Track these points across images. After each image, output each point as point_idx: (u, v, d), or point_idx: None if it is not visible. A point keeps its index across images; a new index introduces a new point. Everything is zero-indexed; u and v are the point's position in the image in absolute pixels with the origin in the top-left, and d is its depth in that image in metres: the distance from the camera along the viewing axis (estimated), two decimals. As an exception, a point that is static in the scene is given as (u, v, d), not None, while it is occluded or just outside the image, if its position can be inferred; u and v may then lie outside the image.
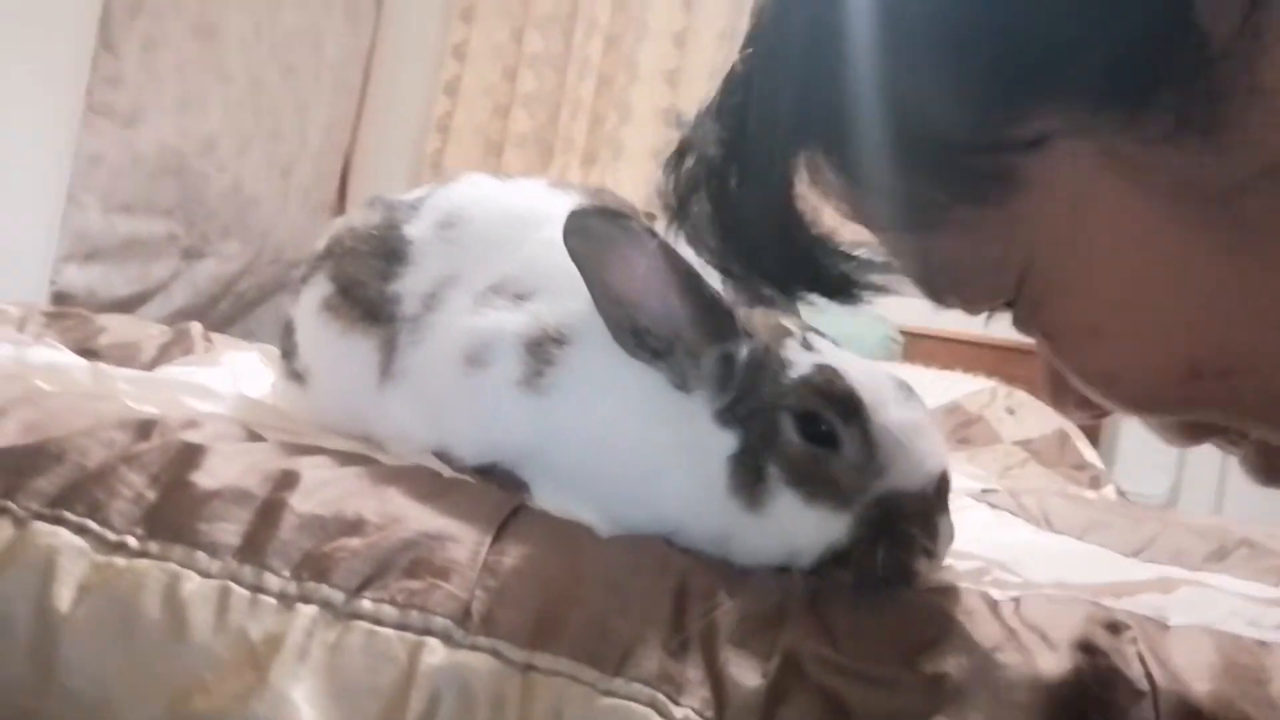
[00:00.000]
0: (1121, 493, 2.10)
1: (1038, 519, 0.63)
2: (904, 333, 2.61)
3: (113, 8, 2.24)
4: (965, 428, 2.13)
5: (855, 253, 0.40)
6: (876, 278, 0.40)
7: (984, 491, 0.73)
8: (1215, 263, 0.32)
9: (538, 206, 0.58)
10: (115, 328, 0.87)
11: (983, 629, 0.41)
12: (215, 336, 0.96)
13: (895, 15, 0.34)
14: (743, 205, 0.40)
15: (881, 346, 2.54)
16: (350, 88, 3.08)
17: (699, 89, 2.84)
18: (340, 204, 3.19)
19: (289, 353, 0.64)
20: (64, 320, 0.86)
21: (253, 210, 2.75)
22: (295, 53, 2.79)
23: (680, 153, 0.42)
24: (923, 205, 0.36)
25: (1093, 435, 2.40)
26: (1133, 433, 2.59)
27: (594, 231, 0.47)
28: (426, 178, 3.04)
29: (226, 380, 0.70)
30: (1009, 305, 0.38)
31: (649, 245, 0.47)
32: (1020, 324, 0.39)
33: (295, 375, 0.63)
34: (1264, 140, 0.30)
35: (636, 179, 2.83)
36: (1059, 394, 0.41)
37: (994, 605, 0.43)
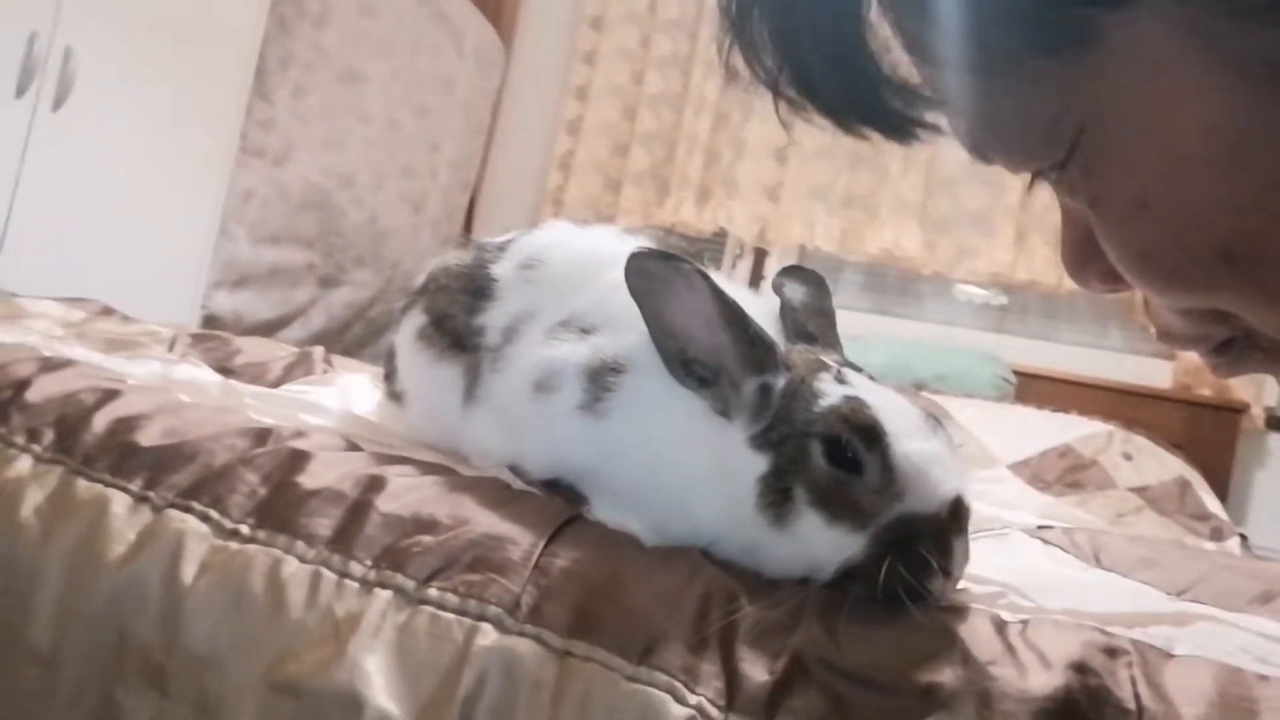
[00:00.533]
0: (1247, 546, 2.00)
1: (1086, 555, 0.65)
2: (1017, 372, 2.56)
3: (267, 58, 2.44)
4: (1077, 471, 2.07)
5: (915, 88, 0.39)
6: (933, 117, 0.39)
7: (1039, 528, 0.74)
8: (1273, 149, 0.33)
9: (606, 250, 0.64)
10: (249, 349, 0.98)
11: (983, 646, 0.45)
12: (335, 359, 1.06)
13: None
14: (808, 28, 0.39)
15: (992, 385, 2.50)
16: (479, 127, 3.25)
17: (809, 128, 2.88)
18: (467, 235, 3.36)
19: (390, 375, 0.72)
20: (207, 342, 0.98)
21: (385, 241, 2.93)
22: (429, 95, 2.97)
23: None
24: (994, 49, 0.36)
25: (1220, 487, 2.29)
26: (1266, 482, 2.46)
27: (652, 271, 0.53)
28: (548, 212, 3.17)
29: (338, 399, 0.79)
30: (1053, 169, 0.38)
31: (700, 285, 0.52)
32: (1063, 187, 0.38)
33: (395, 396, 0.71)
34: None
35: (749, 215, 2.90)
36: (1082, 264, 0.41)
37: (1000, 626, 0.46)
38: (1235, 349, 0.39)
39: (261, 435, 0.59)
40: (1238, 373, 0.41)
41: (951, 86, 0.38)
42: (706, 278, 0.52)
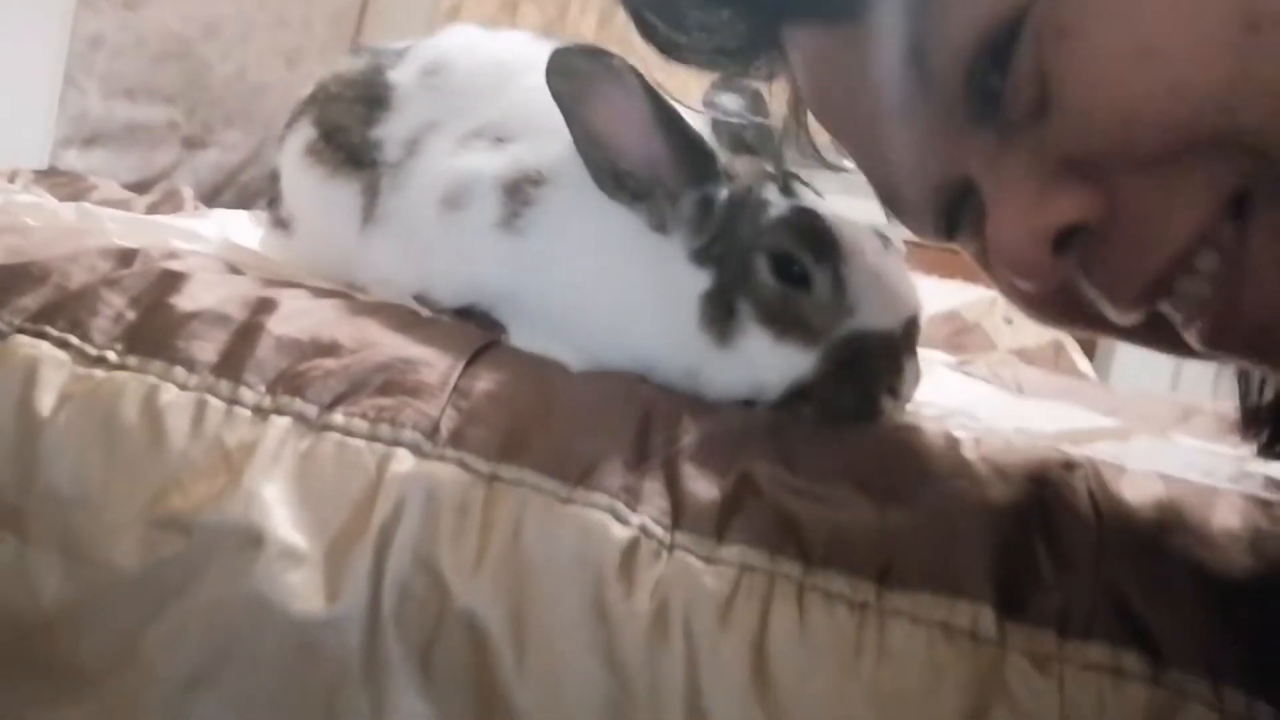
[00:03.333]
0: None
1: (1010, 386, 0.64)
2: (906, 242, 2.60)
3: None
4: (961, 335, 2.14)
5: None
6: None
7: (960, 362, 0.74)
8: None
9: (522, 54, 0.57)
10: (106, 188, 0.88)
11: (939, 461, 0.42)
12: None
13: None
14: None
15: (884, 256, 2.53)
16: (357, -23, 3.02)
17: None
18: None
19: (274, 201, 0.64)
20: (54, 178, 0.87)
21: (257, 99, 2.71)
22: (302, -62, 2.72)
23: None
24: None
25: (1089, 350, 2.41)
26: (1129, 350, 2.59)
27: (577, 69, 0.47)
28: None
29: (214, 230, 0.71)
30: (999, 72, 0.36)
31: (633, 85, 0.47)
32: (1023, 71, 0.35)
33: (280, 223, 0.64)
34: None
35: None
36: (1050, 301, 0.39)
37: (954, 442, 0.44)
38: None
39: (126, 256, 0.51)
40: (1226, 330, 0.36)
41: None
42: (640, 76, 0.47)
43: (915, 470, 0.42)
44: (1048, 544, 0.38)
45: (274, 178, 0.64)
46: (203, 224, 0.73)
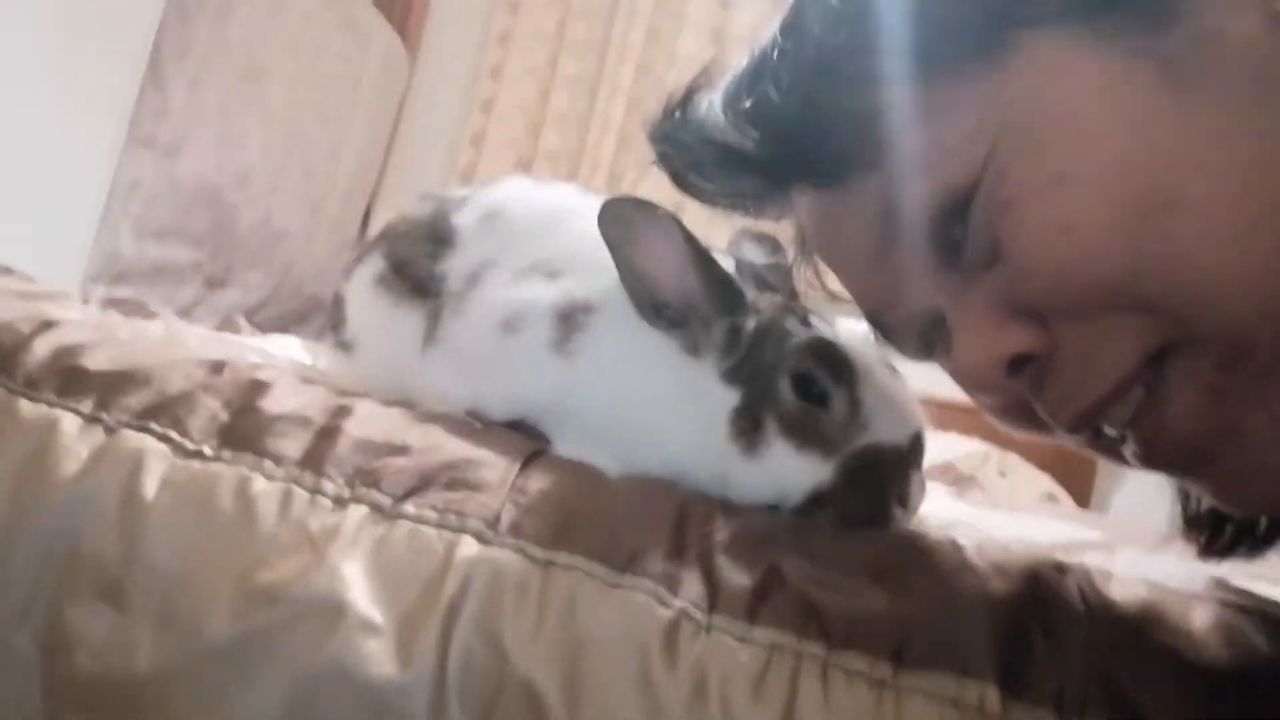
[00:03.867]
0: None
1: (1004, 507, 0.69)
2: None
3: (163, 48, 2.36)
4: (958, 485, 2.19)
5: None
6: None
7: (957, 493, 0.79)
8: (1160, 113, 0.39)
9: (568, 202, 0.66)
10: (168, 315, 0.95)
11: (944, 559, 0.47)
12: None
13: None
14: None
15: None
16: (380, 135, 3.21)
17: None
18: (363, 242, 3.30)
19: (337, 325, 0.71)
20: (121, 305, 0.94)
21: (279, 244, 2.84)
22: (332, 98, 2.92)
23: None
24: (917, 73, 0.43)
25: (1083, 503, 2.45)
26: (1120, 500, 2.64)
27: (626, 217, 0.54)
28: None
29: (279, 350, 0.77)
30: (967, 197, 0.43)
31: (674, 231, 0.54)
32: (978, 231, 0.43)
33: (343, 345, 0.70)
34: (1199, 23, 0.39)
35: (660, 200, 2.91)
36: (1011, 412, 0.47)
37: (957, 545, 0.49)
38: (1160, 396, 0.42)
39: (218, 366, 0.58)
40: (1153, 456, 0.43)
41: (887, 123, 0.44)
42: (679, 223, 0.55)
43: (923, 566, 0.47)
44: (1044, 633, 0.43)
45: (337, 304, 0.71)
46: (268, 344, 0.80)
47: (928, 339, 0.48)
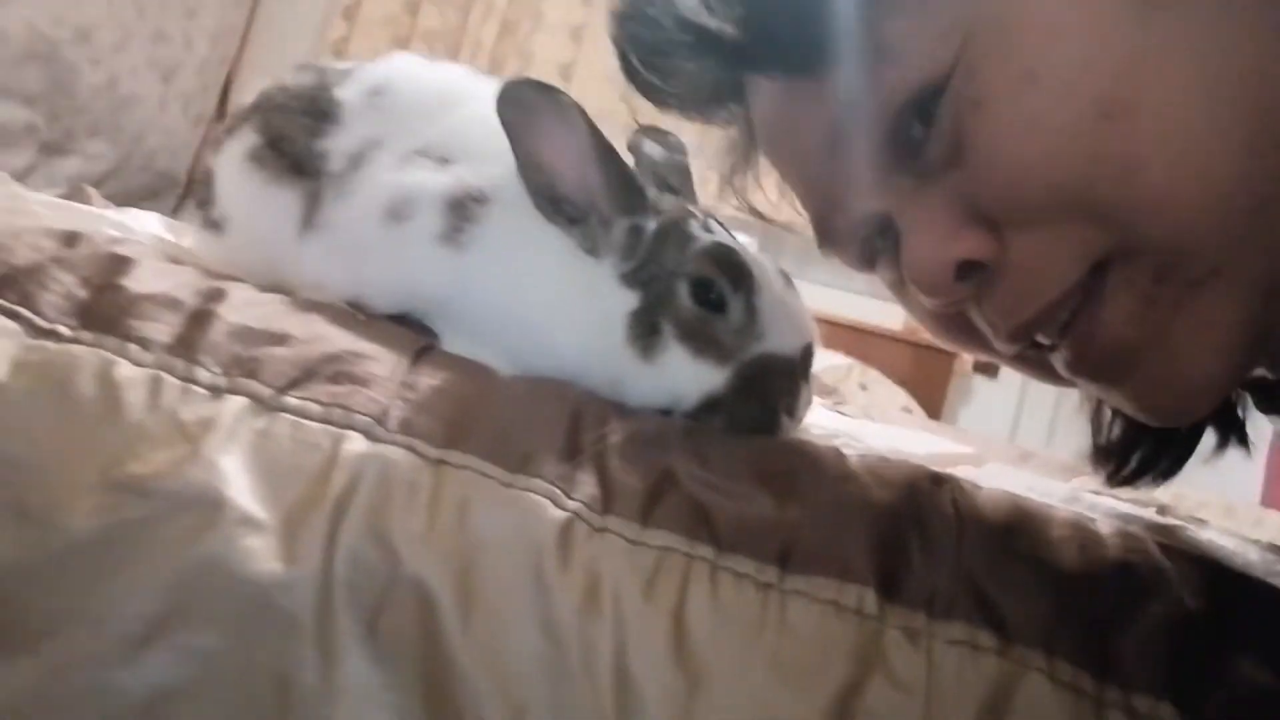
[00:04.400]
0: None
1: (881, 422, 0.72)
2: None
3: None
4: (821, 398, 2.29)
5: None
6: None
7: (835, 404, 0.82)
8: (1128, 22, 0.41)
9: (462, 84, 0.62)
10: (4, 178, 0.86)
11: (828, 467, 0.49)
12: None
13: None
14: None
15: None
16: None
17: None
18: (220, 118, 3.08)
19: (206, 201, 0.66)
20: (-51, 164, 0.84)
21: (126, 110, 2.62)
22: (189, -48, 2.67)
23: None
24: None
25: (935, 418, 2.60)
26: (969, 416, 2.81)
27: (527, 101, 0.52)
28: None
29: (139, 224, 0.71)
30: (938, 89, 0.43)
31: (577, 120, 0.52)
32: (942, 128, 0.44)
33: (211, 224, 0.65)
34: None
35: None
36: (949, 323, 0.48)
37: (840, 454, 0.51)
38: (1095, 304, 0.44)
39: (71, 238, 0.53)
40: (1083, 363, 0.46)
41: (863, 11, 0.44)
42: (583, 113, 0.52)
43: (809, 474, 0.48)
44: (919, 540, 0.45)
45: (207, 180, 0.66)
46: (125, 217, 0.73)
47: (870, 247, 0.49)
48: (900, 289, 0.50)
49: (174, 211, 3.04)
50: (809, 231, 0.54)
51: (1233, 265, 0.41)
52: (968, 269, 0.45)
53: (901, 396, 2.37)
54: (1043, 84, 0.41)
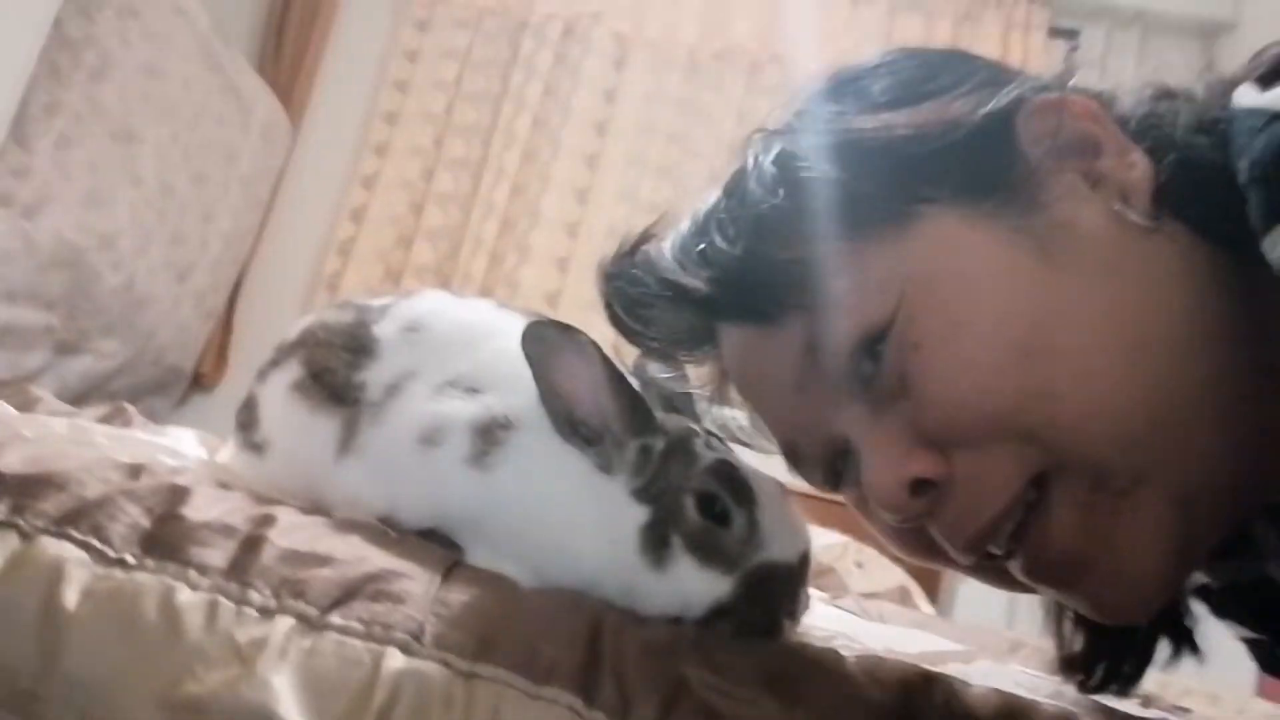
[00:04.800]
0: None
1: (874, 617, 0.76)
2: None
3: (30, 105, 2.29)
4: (818, 578, 2.29)
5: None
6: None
7: (832, 598, 0.85)
8: (1035, 277, 0.50)
9: (489, 320, 0.70)
10: (48, 399, 0.93)
11: (828, 670, 0.53)
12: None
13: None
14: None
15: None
16: (257, 203, 3.16)
17: (597, 243, 3.03)
18: (229, 314, 3.21)
19: (248, 425, 0.72)
20: (3, 389, 0.91)
21: (142, 310, 2.74)
22: (209, 164, 2.86)
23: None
24: (840, 233, 0.53)
25: (932, 594, 2.59)
26: (967, 596, 2.79)
27: (548, 338, 0.59)
28: (322, 297, 3.11)
29: (186, 446, 0.77)
30: (880, 338, 0.51)
31: (593, 354, 0.59)
32: (888, 371, 0.51)
33: (253, 446, 0.71)
34: (1058, 211, 0.50)
35: (543, 291, 2.98)
36: (908, 537, 0.54)
37: (838, 656, 0.55)
38: (1039, 520, 0.50)
39: (135, 470, 0.58)
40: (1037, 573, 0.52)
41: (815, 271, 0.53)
42: (598, 347, 0.59)
43: (811, 676, 0.52)
44: (916, 739, 0.49)
45: (250, 406, 0.72)
46: (169, 439, 0.79)
47: (835, 468, 0.55)
48: (863, 506, 0.56)
49: (179, 404, 3.13)
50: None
51: (1152, 476, 0.48)
52: (921, 486, 0.51)
53: (898, 573, 2.37)
54: (970, 330, 0.50)
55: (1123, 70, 3.09)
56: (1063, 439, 0.48)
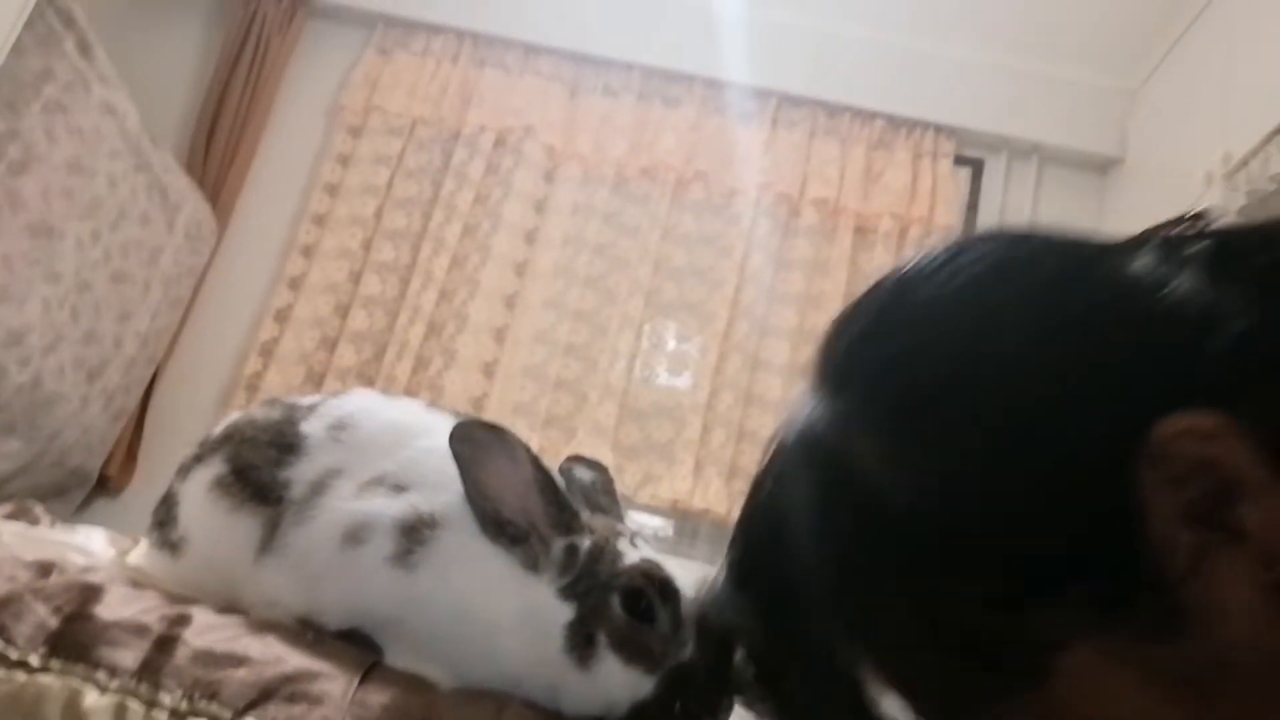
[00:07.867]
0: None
1: None
2: (691, 594, 2.77)
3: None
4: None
5: None
6: None
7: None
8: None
9: (417, 419, 0.70)
10: (-50, 497, 0.89)
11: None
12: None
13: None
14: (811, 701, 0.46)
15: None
16: (177, 303, 3.11)
17: (523, 349, 3.02)
18: (141, 415, 3.11)
19: (165, 523, 0.70)
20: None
21: (48, 409, 2.64)
22: (130, 263, 2.82)
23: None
24: (969, 701, 0.45)
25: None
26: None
27: (477, 438, 0.60)
28: (241, 398, 3.05)
29: (97, 546, 0.74)
30: None
31: (521, 455, 0.60)
32: None
33: (169, 544, 0.69)
34: (1211, 641, 0.41)
35: (454, 381, 2.96)
36: None
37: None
38: None
39: (45, 568, 0.57)
40: None
41: None
42: (526, 448, 0.61)
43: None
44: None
45: (167, 503, 0.70)
46: (80, 538, 0.77)
47: None
48: None
49: (80, 508, 3.00)
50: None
51: None
52: None
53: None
54: None
55: (1022, 199, 3.29)
56: None
